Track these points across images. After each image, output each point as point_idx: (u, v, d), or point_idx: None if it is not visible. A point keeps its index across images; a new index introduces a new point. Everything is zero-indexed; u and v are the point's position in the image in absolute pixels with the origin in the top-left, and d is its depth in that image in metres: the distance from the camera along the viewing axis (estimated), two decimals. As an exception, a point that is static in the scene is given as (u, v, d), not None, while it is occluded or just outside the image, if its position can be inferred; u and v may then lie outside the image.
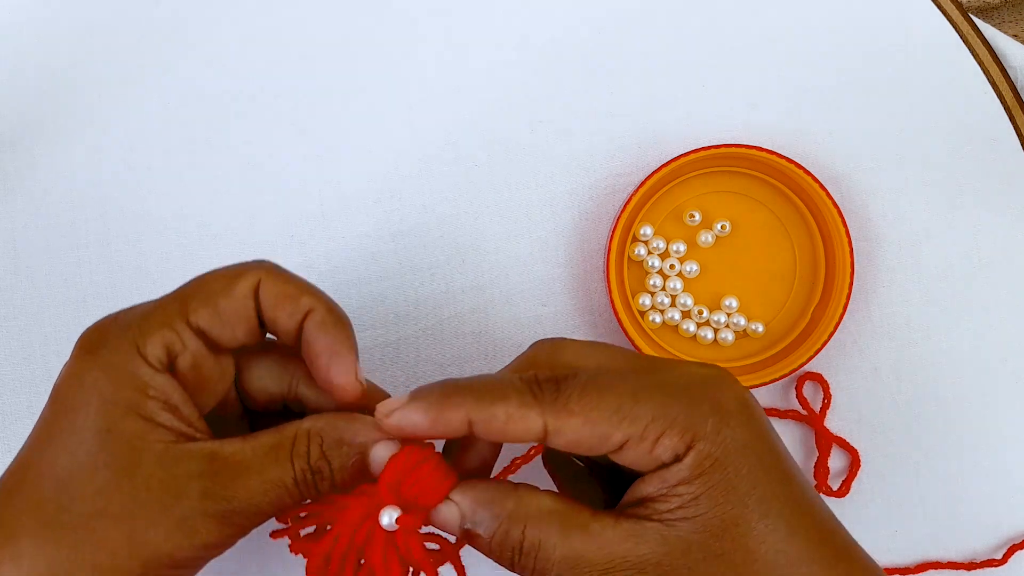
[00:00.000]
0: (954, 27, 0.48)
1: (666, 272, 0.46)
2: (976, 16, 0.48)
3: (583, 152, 0.47)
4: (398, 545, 0.30)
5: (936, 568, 0.46)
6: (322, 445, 0.31)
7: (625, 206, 0.44)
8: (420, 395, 0.30)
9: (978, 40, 0.47)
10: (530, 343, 0.34)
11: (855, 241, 0.44)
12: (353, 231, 0.47)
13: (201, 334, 0.31)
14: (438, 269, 0.47)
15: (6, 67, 0.47)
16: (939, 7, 0.48)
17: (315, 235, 0.47)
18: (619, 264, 0.45)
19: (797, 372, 0.45)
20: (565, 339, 0.34)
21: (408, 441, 0.31)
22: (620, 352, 0.33)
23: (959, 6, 0.48)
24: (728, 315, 0.46)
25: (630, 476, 0.31)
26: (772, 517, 0.29)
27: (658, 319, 0.46)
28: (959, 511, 0.46)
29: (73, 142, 0.47)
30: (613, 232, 0.44)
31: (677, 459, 0.29)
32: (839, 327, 0.44)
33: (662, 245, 0.46)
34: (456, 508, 0.30)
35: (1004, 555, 0.45)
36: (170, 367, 0.31)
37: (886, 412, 0.47)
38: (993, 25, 0.49)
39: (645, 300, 0.46)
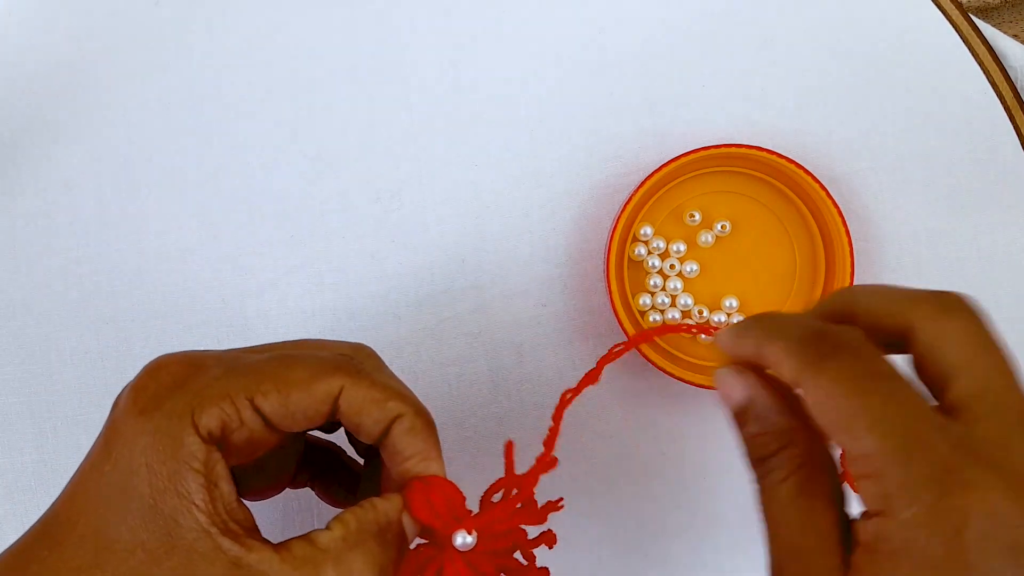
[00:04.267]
0: (954, 27, 0.48)
1: (666, 272, 0.46)
2: (976, 16, 0.48)
3: (583, 152, 0.47)
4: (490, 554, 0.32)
5: (936, 568, 0.45)
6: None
7: (625, 206, 0.44)
8: (728, 329, 0.31)
9: (978, 40, 0.47)
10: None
11: (855, 241, 0.44)
12: (353, 231, 0.47)
13: (262, 415, 0.31)
14: (438, 269, 0.47)
15: (6, 67, 0.47)
16: (939, 7, 0.48)
17: (315, 235, 0.47)
18: (619, 264, 0.45)
19: (797, 372, 0.45)
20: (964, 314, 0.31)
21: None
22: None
23: (959, 6, 0.48)
24: (728, 315, 0.46)
25: None
26: None
27: (658, 319, 0.46)
28: (959, 511, 0.46)
29: (73, 142, 0.47)
30: (613, 232, 0.44)
31: (867, 514, 0.27)
32: (839, 327, 0.44)
33: (662, 245, 0.46)
34: None
35: (1004, 555, 0.45)
36: (221, 438, 0.30)
37: (886, 412, 0.46)
38: (993, 25, 0.49)
39: (645, 300, 0.46)
